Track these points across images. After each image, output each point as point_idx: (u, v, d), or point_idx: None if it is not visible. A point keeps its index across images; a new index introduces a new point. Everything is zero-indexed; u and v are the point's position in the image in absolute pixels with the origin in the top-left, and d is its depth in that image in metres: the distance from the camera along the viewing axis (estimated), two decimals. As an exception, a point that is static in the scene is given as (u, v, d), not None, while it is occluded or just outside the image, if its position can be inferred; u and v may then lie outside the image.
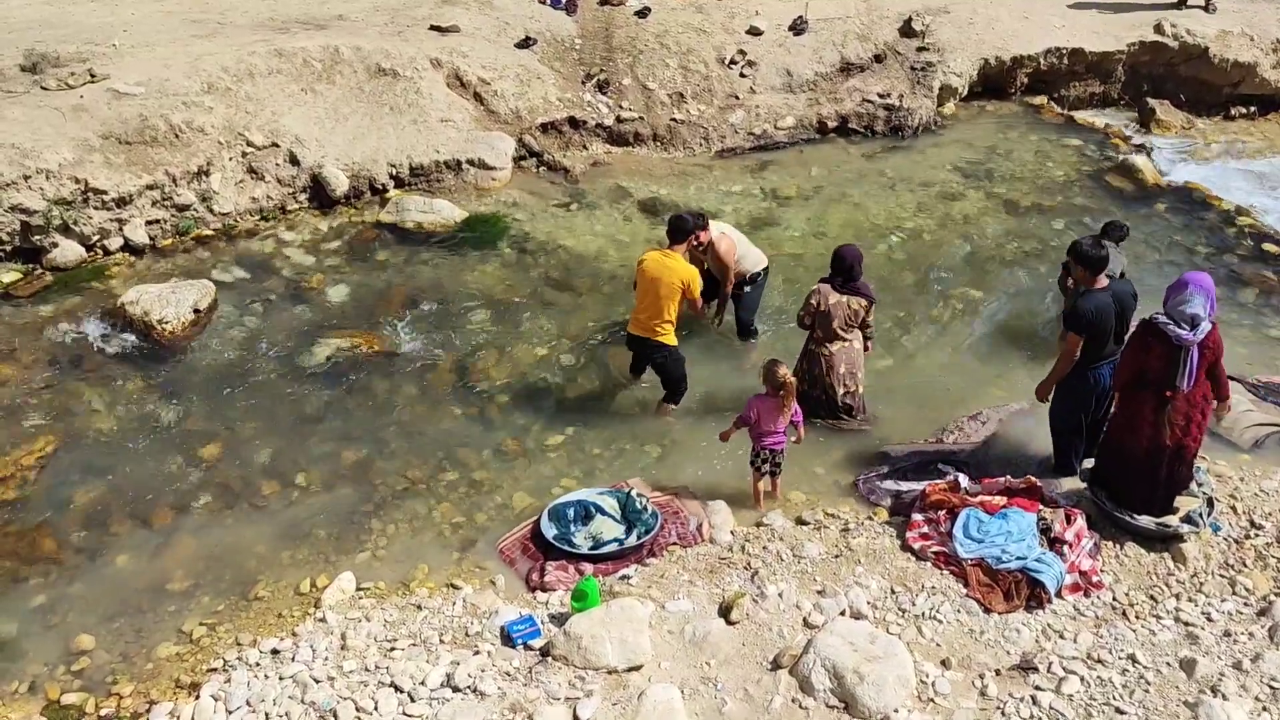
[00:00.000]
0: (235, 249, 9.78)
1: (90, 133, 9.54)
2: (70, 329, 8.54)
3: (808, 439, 7.28)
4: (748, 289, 8.23)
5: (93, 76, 10.17)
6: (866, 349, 7.65)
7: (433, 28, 12.20)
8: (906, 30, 12.98)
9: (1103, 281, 6.47)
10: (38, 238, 9.11)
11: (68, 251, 9.22)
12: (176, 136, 9.85)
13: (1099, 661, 5.34)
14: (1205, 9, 13.40)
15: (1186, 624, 5.66)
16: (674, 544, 6.47)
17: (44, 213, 9.02)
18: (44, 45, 10.57)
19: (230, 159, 10.14)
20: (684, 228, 7.33)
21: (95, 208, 9.32)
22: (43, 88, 10.02)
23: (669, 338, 7.44)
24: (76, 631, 5.91)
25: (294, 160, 10.30)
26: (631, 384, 8.07)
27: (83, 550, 6.54)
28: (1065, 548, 6.10)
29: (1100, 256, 6.41)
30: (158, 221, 9.70)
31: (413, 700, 5.07)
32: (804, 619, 5.65)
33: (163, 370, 8.19)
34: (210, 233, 9.93)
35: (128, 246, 9.53)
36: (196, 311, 8.68)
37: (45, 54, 10.41)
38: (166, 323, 8.47)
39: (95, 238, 9.39)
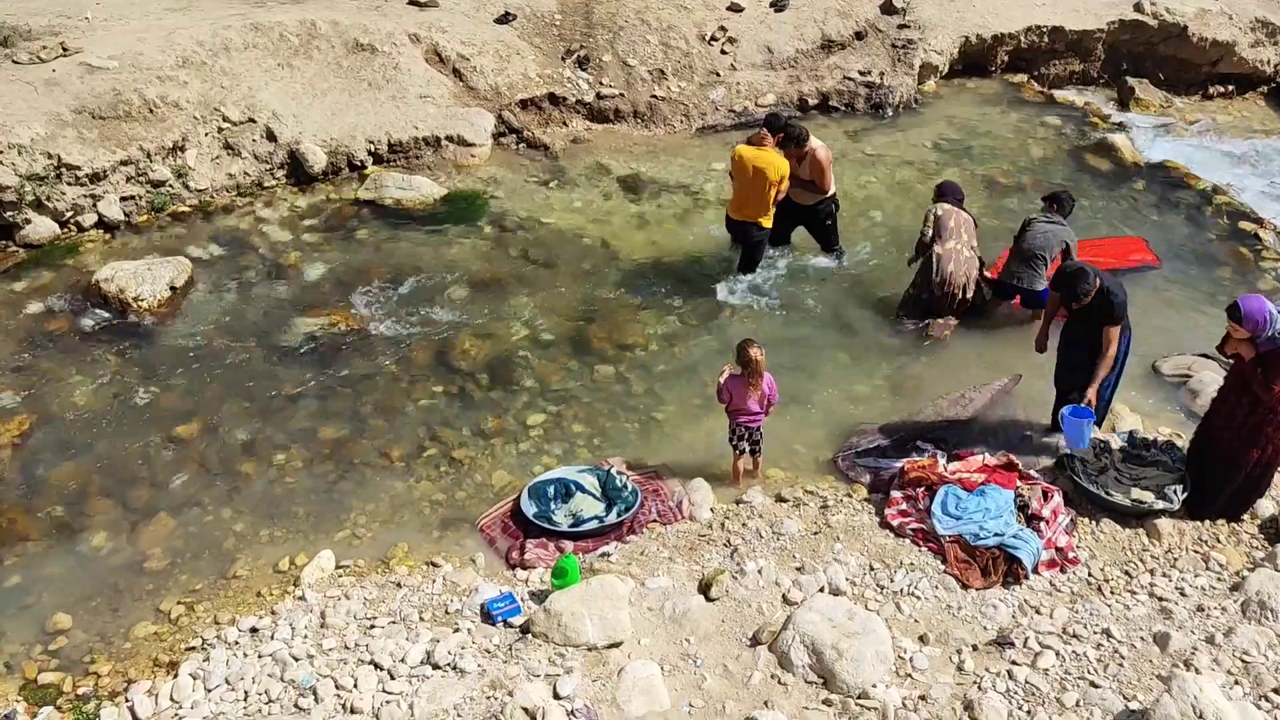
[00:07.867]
0: (212, 226, 9.67)
1: (63, 107, 9.41)
2: (44, 306, 8.45)
3: (786, 415, 7.30)
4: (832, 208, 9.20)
5: (65, 50, 10.00)
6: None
7: (411, 2, 12.07)
8: (888, 7, 12.93)
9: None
10: (10, 214, 8.98)
11: (41, 228, 9.11)
12: (151, 111, 9.73)
13: (1074, 636, 5.40)
14: None
15: (1160, 599, 5.73)
16: (654, 521, 6.50)
17: (16, 188, 8.90)
18: (15, 18, 10.40)
19: (206, 135, 10.02)
20: (775, 124, 8.59)
21: (68, 183, 9.20)
22: (14, 61, 9.86)
23: (767, 220, 8.67)
24: (53, 611, 5.89)
25: (271, 136, 10.19)
26: (732, 249, 9.24)
27: (59, 529, 6.49)
28: (1042, 524, 6.16)
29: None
30: (132, 198, 9.59)
31: (393, 678, 5.07)
32: (783, 595, 5.69)
33: (139, 348, 8.11)
34: (186, 209, 9.81)
35: (102, 223, 9.42)
36: (173, 289, 8.61)
37: (16, 27, 10.25)
38: (142, 300, 8.40)
39: (69, 214, 9.27)
